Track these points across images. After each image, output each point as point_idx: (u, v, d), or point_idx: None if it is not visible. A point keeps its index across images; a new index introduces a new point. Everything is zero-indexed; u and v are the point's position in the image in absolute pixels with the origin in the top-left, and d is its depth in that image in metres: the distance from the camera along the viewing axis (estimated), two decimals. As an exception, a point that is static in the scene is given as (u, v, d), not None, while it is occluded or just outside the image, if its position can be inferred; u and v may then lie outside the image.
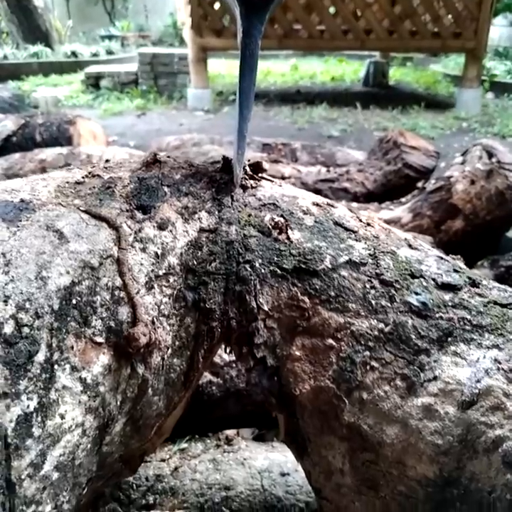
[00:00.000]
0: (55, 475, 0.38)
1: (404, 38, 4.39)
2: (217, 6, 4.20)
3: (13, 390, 0.35)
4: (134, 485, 0.67)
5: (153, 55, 4.73)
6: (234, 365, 0.76)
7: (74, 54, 6.56)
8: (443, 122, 3.91)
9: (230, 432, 0.76)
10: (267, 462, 0.70)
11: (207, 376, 0.76)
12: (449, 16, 4.34)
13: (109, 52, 6.88)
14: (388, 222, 1.59)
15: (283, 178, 1.82)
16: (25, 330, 0.37)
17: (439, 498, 0.39)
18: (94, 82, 4.86)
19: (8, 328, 0.36)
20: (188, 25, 4.24)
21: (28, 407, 0.36)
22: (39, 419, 0.37)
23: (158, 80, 4.72)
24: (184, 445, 0.74)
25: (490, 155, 1.52)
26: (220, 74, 5.77)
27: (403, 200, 1.63)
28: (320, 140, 3.23)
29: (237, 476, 0.68)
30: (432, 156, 1.90)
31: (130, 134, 3.41)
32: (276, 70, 6.25)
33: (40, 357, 0.37)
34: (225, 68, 5.98)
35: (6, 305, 0.37)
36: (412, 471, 0.40)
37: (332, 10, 4.36)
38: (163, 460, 0.71)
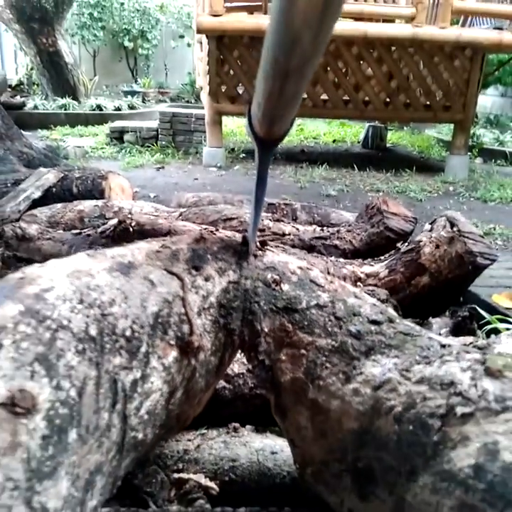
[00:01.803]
0: (146, 416, 0.68)
1: (399, 109, 4.88)
2: (232, 73, 4.73)
3: (130, 366, 0.66)
4: (169, 455, 0.96)
5: (172, 114, 5.23)
6: (241, 375, 1.07)
7: (99, 107, 7.14)
8: (431, 185, 4.30)
9: (237, 424, 1.05)
10: (262, 444, 0.99)
11: (221, 383, 1.06)
12: (440, 91, 4.85)
13: (131, 107, 7.48)
14: (369, 275, 1.91)
15: (283, 234, 2.17)
16: (136, 334, 0.68)
17: (359, 442, 0.69)
18: (118, 136, 5.35)
19: (128, 333, 0.68)
20: (206, 91, 4.74)
21: (136, 376, 0.67)
22: (141, 383, 0.67)
23: (176, 136, 5.20)
24: (204, 431, 1.03)
25: (452, 224, 1.85)
26: (232, 132, 6.29)
27: (382, 258, 1.96)
28: (319, 198, 3.61)
29: (240, 452, 0.97)
30: (410, 221, 2.24)
31: (150, 186, 3.80)
32: (283, 129, 6.76)
33: (143, 349, 0.68)
34: (238, 127, 6.51)
35: (127, 320, 0.68)
36: (345, 425, 0.70)
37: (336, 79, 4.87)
38: (189, 440, 1.00)
